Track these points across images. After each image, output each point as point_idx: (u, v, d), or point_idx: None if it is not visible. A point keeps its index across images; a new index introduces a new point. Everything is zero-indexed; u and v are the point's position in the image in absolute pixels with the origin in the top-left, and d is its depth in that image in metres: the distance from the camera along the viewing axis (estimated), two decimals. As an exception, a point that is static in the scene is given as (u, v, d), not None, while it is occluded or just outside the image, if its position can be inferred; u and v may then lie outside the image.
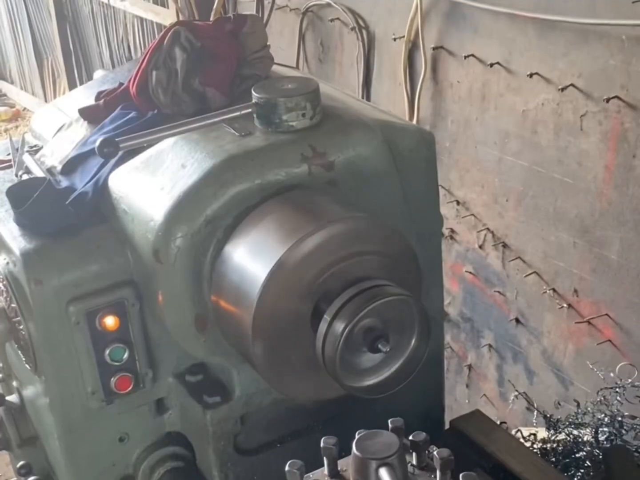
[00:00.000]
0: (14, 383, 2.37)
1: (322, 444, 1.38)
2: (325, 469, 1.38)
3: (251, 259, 1.71)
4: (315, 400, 1.81)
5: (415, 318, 1.66)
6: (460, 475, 1.27)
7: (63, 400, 1.98)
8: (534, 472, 1.79)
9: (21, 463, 2.27)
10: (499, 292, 3.38)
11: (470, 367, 3.67)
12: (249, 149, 1.85)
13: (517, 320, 3.33)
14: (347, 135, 1.90)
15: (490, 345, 3.52)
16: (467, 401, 3.73)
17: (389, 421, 1.42)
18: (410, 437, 1.37)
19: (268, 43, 2.25)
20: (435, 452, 1.32)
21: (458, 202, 3.47)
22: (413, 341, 1.68)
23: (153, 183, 1.89)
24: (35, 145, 2.34)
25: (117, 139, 1.80)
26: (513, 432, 2.90)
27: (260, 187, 1.80)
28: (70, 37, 7.28)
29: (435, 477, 1.34)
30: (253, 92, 1.90)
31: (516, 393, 3.16)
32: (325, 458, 1.39)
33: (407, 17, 3.38)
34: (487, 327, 3.52)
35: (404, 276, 1.73)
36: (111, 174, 1.99)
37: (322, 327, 1.60)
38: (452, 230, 3.54)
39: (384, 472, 1.23)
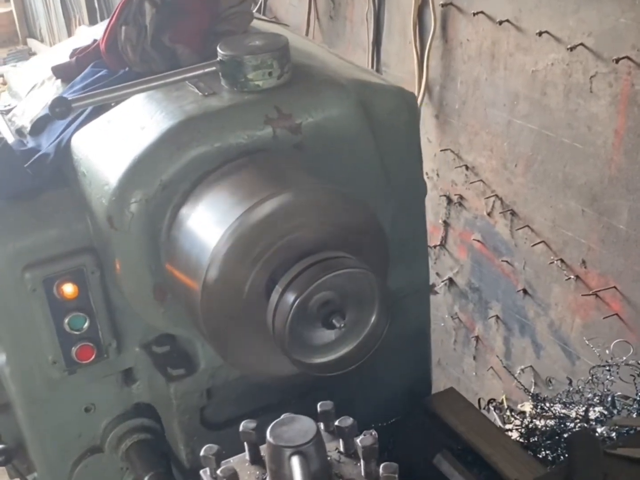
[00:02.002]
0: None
1: (240, 428, 1.28)
2: (246, 455, 1.28)
3: (204, 224, 1.61)
4: (269, 377, 1.72)
5: (375, 294, 1.55)
6: (381, 465, 1.17)
7: (24, 369, 1.92)
8: (503, 454, 1.69)
9: (-11, 431, 2.22)
10: (506, 261, 3.25)
11: (477, 338, 3.55)
12: (209, 110, 1.73)
13: (525, 292, 3.20)
14: (316, 96, 1.77)
15: (497, 317, 3.40)
16: (474, 374, 3.62)
17: (318, 404, 1.32)
18: (336, 423, 1.27)
19: (248, -2, 2.12)
20: (358, 440, 1.21)
21: (467, 167, 3.33)
22: (372, 318, 1.57)
23: (112, 145, 1.79)
24: (9, 105, 2.26)
25: (69, 98, 1.71)
26: (519, 406, 2.81)
27: (220, 150, 1.69)
28: (96, -6, 7.22)
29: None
30: (218, 49, 1.79)
31: (523, 367, 3.05)
32: (245, 443, 1.30)
33: (416, -28, 3.23)
34: (494, 297, 3.39)
35: (367, 250, 1.61)
36: (74, 135, 1.90)
37: (274, 298, 1.50)
38: (461, 197, 3.41)
39: (295, 461, 1.13)
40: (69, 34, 8.25)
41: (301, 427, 1.19)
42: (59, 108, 1.69)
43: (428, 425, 1.72)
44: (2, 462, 2.16)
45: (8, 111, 2.20)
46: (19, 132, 2.09)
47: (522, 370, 3.27)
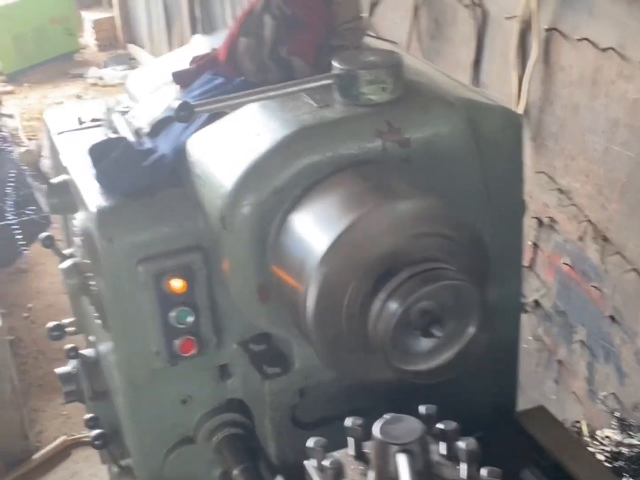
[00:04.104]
0: (90, 337, 2.43)
1: (347, 424, 1.34)
2: (350, 450, 1.34)
3: (312, 232, 1.68)
4: (366, 380, 1.77)
5: (474, 307, 1.60)
6: (484, 470, 1.21)
7: (129, 357, 2.02)
8: (590, 473, 1.70)
9: (89, 416, 2.33)
10: (595, 287, 3.24)
11: (560, 362, 3.54)
12: (323, 120, 1.81)
13: (612, 318, 3.18)
14: (426, 112, 1.84)
15: (582, 342, 3.38)
16: (554, 397, 3.60)
17: (422, 407, 1.37)
18: (439, 425, 1.32)
19: (362, 14, 2.20)
20: (461, 443, 1.26)
21: (561, 191, 3.33)
22: (469, 330, 1.61)
23: (227, 149, 1.88)
24: (127, 106, 2.38)
25: (193, 103, 1.81)
26: (597, 432, 2.80)
27: (331, 160, 1.77)
28: (198, 4, 7.40)
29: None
30: (334, 62, 1.86)
31: (604, 393, 3.03)
32: (350, 439, 1.35)
33: (521, -4, 3.26)
34: (580, 322, 3.38)
35: (469, 263, 1.66)
36: (191, 138, 2.00)
37: (376, 305, 1.56)
38: (552, 220, 3.41)
39: (402, 458, 1.18)
40: (169, 41, 8.50)
41: (407, 426, 1.25)
42: (183, 112, 1.79)
43: (516, 440, 1.75)
44: (99, 446, 2.27)
45: (126, 112, 2.31)
46: (137, 132, 2.19)
47: (605, 396, 3.25)
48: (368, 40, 2.29)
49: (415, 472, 1.18)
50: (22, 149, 1.96)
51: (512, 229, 2.06)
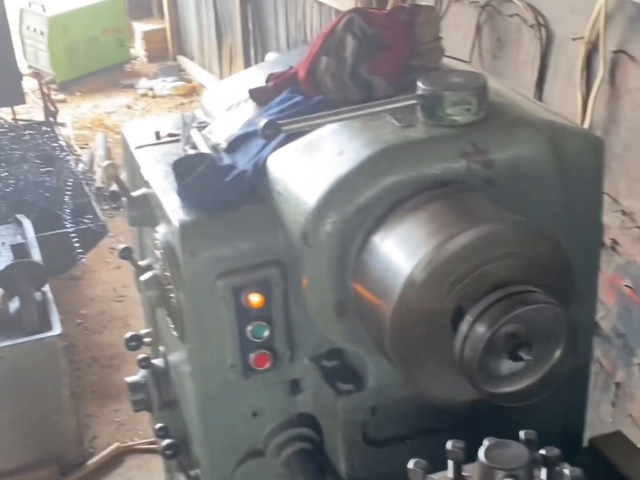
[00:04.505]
0: (161, 348, 2.46)
1: (449, 447, 1.35)
2: (449, 472, 1.35)
3: (397, 251, 1.69)
4: (448, 400, 1.78)
5: (562, 330, 1.60)
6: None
7: (204, 369, 2.04)
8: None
9: (159, 425, 2.35)
10: (658, 311, 3.22)
11: (618, 385, 3.51)
12: (408, 140, 1.83)
13: (675, 343, 3.15)
14: (510, 134, 1.85)
15: (642, 366, 3.36)
16: (610, 420, 3.57)
17: (522, 432, 1.37)
18: (542, 451, 1.32)
19: (441, 35, 2.21)
20: (566, 470, 1.26)
21: (624, 212, 3.31)
22: (557, 353, 1.62)
23: (310, 167, 1.90)
24: (203, 122, 2.41)
25: (279, 122, 1.83)
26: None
27: (414, 179, 1.78)
28: (251, 18, 7.46)
29: (564, 496, 1.29)
30: (419, 83, 1.88)
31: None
32: (450, 461, 1.36)
33: (589, 18, 3.25)
34: (641, 346, 3.35)
35: (555, 285, 1.66)
36: (271, 156, 2.03)
37: (463, 327, 1.57)
38: (615, 241, 3.39)
39: (508, 484, 1.19)
40: (219, 53, 8.58)
41: (513, 451, 1.26)
42: (270, 130, 1.82)
43: (593, 465, 1.74)
44: (170, 455, 2.30)
45: (204, 128, 2.35)
46: (215, 148, 2.22)
47: (665, 422, 3.21)
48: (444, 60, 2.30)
49: (521, 498, 1.18)
50: (105, 163, 1.98)
51: (590, 250, 2.05)
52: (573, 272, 1.70)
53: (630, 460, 1.86)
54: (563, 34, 3.51)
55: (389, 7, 4.40)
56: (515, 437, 2.08)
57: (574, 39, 3.39)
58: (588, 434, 2.23)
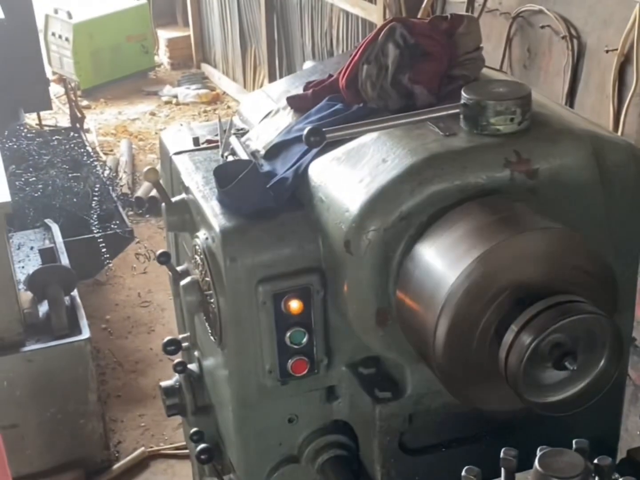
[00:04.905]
0: (196, 353, 2.47)
1: (502, 455, 1.35)
2: (502, 480, 1.35)
3: (442, 260, 1.70)
4: (491, 410, 1.78)
5: (606, 339, 1.60)
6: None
7: (242, 374, 2.05)
8: None
9: (194, 430, 2.36)
10: (689, 324, 3.19)
11: (648, 398, 3.49)
12: (452, 149, 1.84)
13: None
14: (554, 144, 1.85)
15: (672, 379, 3.34)
16: (638, 433, 3.55)
17: (574, 441, 1.38)
18: (596, 461, 1.33)
19: (481, 45, 2.22)
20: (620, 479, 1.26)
21: (656, 226, 3.30)
22: (601, 363, 1.62)
23: (352, 175, 1.91)
24: (242, 129, 2.42)
25: (324, 129, 1.84)
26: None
27: (459, 188, 1.79)
28: (276, 27, 7.49)
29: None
30: (463, 92, 1.89)
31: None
32: (503, 469, 1.36)
33: (622, 30, 3.25)
34: (671, 359, 3.33)
35: (599, 295, 1.66)
36: (312, 163, 2.04)
37: (508, 337, 1.57)
38: (646, 254, 3.37)
39: (565, 493, 1.19)
40: (243, 62, 8.62)
41: (569, 459, 1.26)
42: (314, 137, 1.83)
43: (634, 476, 1.73)
44: (205, 460, 2.30)
45: (242, 134, 2.36)
46: (253, 155, 2.24)
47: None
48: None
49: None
50: (146, 168, 2.01)
51: (629, 261, 2.05)
52: (616, 281, 1.70)
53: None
54: (595, 46, 3.51)
55: (419, 15, 4.42)
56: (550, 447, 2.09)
57: (607, 51, 3.39)
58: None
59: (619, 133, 3.37)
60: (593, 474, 1.32)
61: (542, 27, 3.79)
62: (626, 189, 1.95)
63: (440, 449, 2.07)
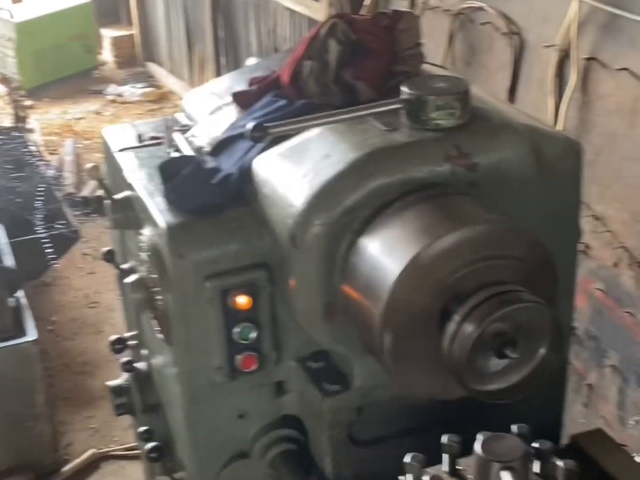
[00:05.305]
0: (143, 351, 2.47)
1: (444, 441, 1.38)
2: (444, 466, 1.38)
3: (386, 252, 1.72)
4: (434, 399, 1.81)
5: (546, 327, 1.64)
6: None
7: (191, 371, 2.05)
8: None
9: (143, 428, 2.36)
10: (629, 312, 3.28)
11: (590, 386, 3.57)
12: (394, 144, 1.86)
13: (646, 344, 3.22)
14: (493, 138, 1.89)
15: (613, 367, 3.42)
16: (583, 421, 3.63)
17: (514, 426, 1.41)
18: (536, 444, 1.36)
19: (421, 41, 2.25)
20: (559, 462, 1.30)
21: (596, 217, 3.38)
22: (542, 350, 1.66)
23: (296, 170, 1.93)
24: (186, 125, 2.42)
25: (267, 125, 1.86)
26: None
27: (401, 182, 1.81)
28: (222, 26, 7.47)
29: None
30: (403, 88, 1.91)
31: (636, 418, 3.06)
32: (445, 455, 1.39)
33: (561, 26, 3.32)
34: (612, 347, 3.41)
35: (539, 284, 1.70)
36: (257, 159, 2.05)
37: (451, 327, 1.60)
38: (586, 246, 3.45)
39: (506, 476, 1.22)
40: (190, 61, 8.58)
41: (509, 443, 1.29)
42: (257, 133, 1.85)
43: (577, 461, 1.78)
44: (155, 458, 2.30)
45: (186, 131, 2.36)
46: (198, 151, 2.23)
47: (636, 422, 3.28)
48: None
49: (518, 489, 1.22)
50: (89, 165, 1.99)
51: (568, 254, 2.10)
52: (556, 272, 1.74)
53: (612, 456, 1.90)
54: (535, 42, 3.58)
55: (362, 13, 4.45)
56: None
57: (546, 47, 3.46)
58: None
59: (561, 128, 3.44)
60: (533, 458, 1.35)
61: (483, 24, 3.85)
62: (564, 182, 2.00)
63: (389, 440, 2.09)
